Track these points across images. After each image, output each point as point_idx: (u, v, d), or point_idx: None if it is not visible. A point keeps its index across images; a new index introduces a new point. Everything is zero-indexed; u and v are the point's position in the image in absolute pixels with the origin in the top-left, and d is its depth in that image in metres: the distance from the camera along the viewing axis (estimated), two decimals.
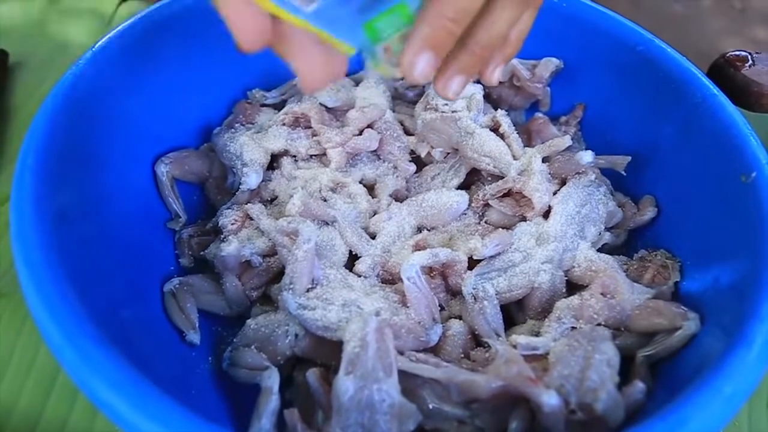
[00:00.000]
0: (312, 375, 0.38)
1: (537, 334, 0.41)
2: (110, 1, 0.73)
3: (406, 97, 0.56)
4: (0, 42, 0.68)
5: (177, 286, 0.44)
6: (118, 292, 0.40)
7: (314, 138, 0.48)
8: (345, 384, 0.34)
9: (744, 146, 0.43)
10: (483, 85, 0.53)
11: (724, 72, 0.53)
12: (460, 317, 0.43)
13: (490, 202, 0.46)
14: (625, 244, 0.50)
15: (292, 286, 0.39)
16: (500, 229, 0.44)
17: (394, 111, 0.53)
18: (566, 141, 0.46)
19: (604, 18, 0.52)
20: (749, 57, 0.54)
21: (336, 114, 0.51)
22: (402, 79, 0.57)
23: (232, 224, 0.45)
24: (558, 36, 0.53)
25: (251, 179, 0.46)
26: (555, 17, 0.53)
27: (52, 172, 0.38)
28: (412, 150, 0.51)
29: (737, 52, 0.55)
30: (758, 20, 1.17)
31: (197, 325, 0.43)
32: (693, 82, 0.47)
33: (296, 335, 0.40)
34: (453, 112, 0.48)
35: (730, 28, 1.13)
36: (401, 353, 0.38)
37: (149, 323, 0.43)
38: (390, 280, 0.44)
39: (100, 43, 0.44)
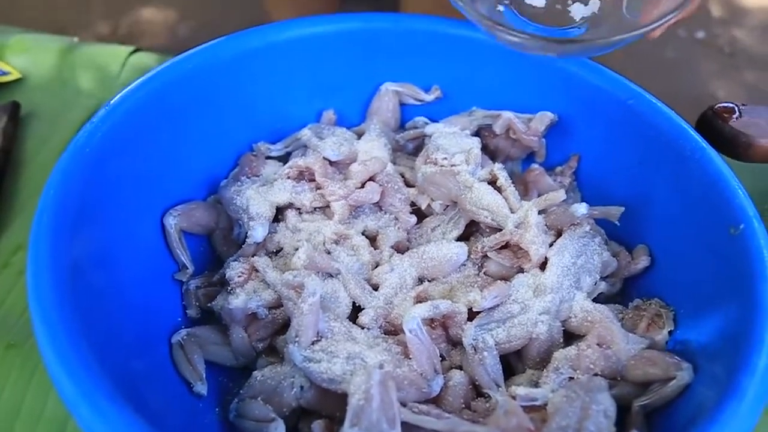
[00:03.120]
0: (317, 426, 0.39)
1: (536, 384, 0.42)
2: (121, 52, 0.75)
3: (406, 149, 0.58)
4: (13, 93, 0.70)
5: (184, 337, 0.45)
6: (128, 343, 0.42)
7: (318, 191, 0.50)
8: None
9: (732, 199, 0.44)
10: (480, 138, 0.55)
11: (712, 124, 0.55)
12: (460, 367, 0.44)
13: (488, 253, 0.47)
14: (621, 292, 0.51)
15: (297, 339, 0.41)
16: (499, 281, 0.46)
17: (395, 163, 0.55)
18: (561, 195, 0.48)
19: (596, 72, 0.54)
20: (736, 109, 0.56)
21: (339, 167, 0.52)
22: (403, 129, 0.59)
23: (239, 276, 0.46)
24: (552, 90, 0.55)
25: (257, 233, 0.48)
26: (549, 72, 0.55)
27: (66, 228, 0.39)
28: (412, 202, 0.52)
29: (725, 104, 0.56)
30: (747, 64, 1.20)
31: (204, 376, 0.44)
32: (682, 136, 0.49)
33: (302, 387, 0.41)
34: (452, 166, 0.49)
35: (720, 71, 1.16)
36: (404, 405, 0.39)
37: (157, 374, 0.44)
38: (392, 331, 0.45)
39: (114, 100, 0.46)
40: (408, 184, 0.53)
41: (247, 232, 0.49)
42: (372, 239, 0.50)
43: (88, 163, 0.43)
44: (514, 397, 0.40)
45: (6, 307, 0.53)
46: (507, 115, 0.54)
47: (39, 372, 0.49)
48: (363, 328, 0.44)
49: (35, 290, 0.36)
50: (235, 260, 0.48)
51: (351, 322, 0.44)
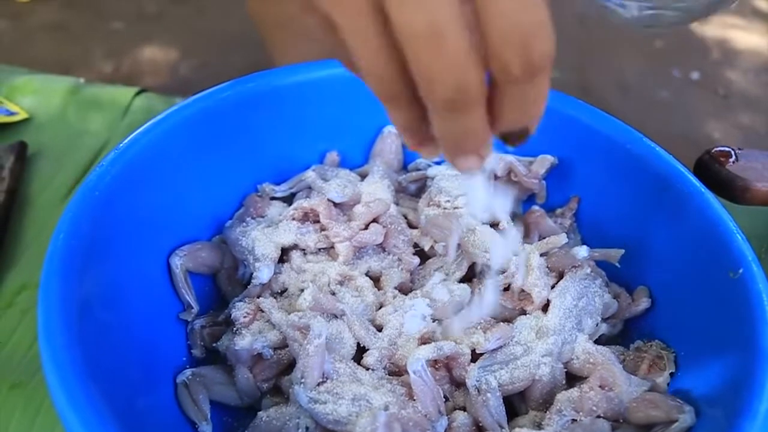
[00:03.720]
0: None
1: (539, 425, 0.43)
2: (126, 93, 0.77)
3: (408, 191, 0.59)
4: (20, 133, 0.71)
5: (190, 377, 0.45)
6: (134, 382, 0.42)
7: (323, 232, 0.51)
8: None
9: (730, 243, 0.45)
10: None
11: (709, 167, 0.56)
12: (464, 408, 0.44)
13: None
14: (622, 334, 0.51)
15: (303, 380, 0.41)
16: (501, 323, 0.46)
17: (398, 204, 0.56)
18: (562, 239, 0.49)
19: (596, 117, 0.55)
20: (732, 153, 0.57)
21: (343, 208, 0.53)
22: (405, 170, 0.60)
23: (245, 317, 0.47)
24: (553, 134, 0.56)
25: (263, 274, 0.49)
26: (550, 116, 0.55)
27: (75, 270, 0.40)
28: (415, 243, 0.53)
29: (721, 148, 0.58)
30: (741, 106, 1.22)
31: (209, 416, 0.44)
32: (680, 180, 0.50)
33: (307, 428, 0.41)
34: (455, 208, 0.50)
35: (715, 113, 1.18)
36: None
37: (162, 414, 0.44)
38: (397, 372, 0.45)
39: (122, 144, 0.47)
40: (410, 226, 0.54)
41: (252, 273, 0.50)
42: (375, 280, 0.51)
43: (97, 206, 0.44)
44: None
45: (10, 346, 0.53)
46: (508, 158, 0.56)
47: (43, 411, 0.49)
48: (368, 369, 0.44)
49: (46, 331, 0.36)
50: (241, 301, 0.49)
51: (356, 363, 0.44)
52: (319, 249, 0.51)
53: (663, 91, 1.21)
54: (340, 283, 0.49)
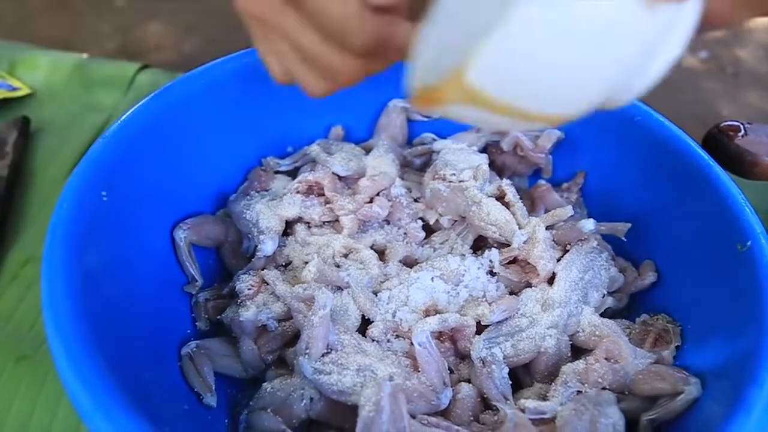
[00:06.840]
0: None
1: (544, 397, 0.43)
2: (129, 68, 0.76)
3: (413, 165, 0.58)
4: (23, 108, 0.70)
5: (194, 349, 0.45)
6: (139, 354, 0.42)
7: (327, 205, 0.51)
8: None
9: (739, 216, 0.45)
10: (488, 154, 0.55)
11: (718, 141, 0.56)
12: (469, 380, 0.44)
13: (496, 268, 0.48)
14: (628, 307, 0.51)
15: (308, 351, 0.41)
16: (507, 295, 0.46)
17: (402, 178, 0.55)
18: (568, 211, 0.48)
19: None
20: (742, 127, 0.57)
21: (347, 182, 0.53)
22: (410, 145, 0.60)
23: (249, 289, 0.46)
24: None
25: (267, 246, 0.48)
26: None
27: (79, 241, 0.40)
28: (420, 217, 0.53)
29: (730, 123, 0.57)
30: (750, 84, 1.21)
31: (214, 388, 0.44)
32: (688, 153, 0.49)
33: (311, 399, 0.41)
34: (460, 181, 0.50)
35: (723, 92, 1.17)
36: (413, 417, 0.39)
37: (167, 385, 0.44)
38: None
39: (125, 116, 0.47)
40: (415, 199, 0.54)
41: (256, 246, 0.50)
42: (380, 253, 0.51)
43: (100, 178, 0.43)
44: (522, 410, 0.40)
45: (16, 319, 0.54)
46: (514, 132, 0.55)
47: (48, 383, 0.49)
48: (372, 340, 0.44)
49: (49, 302, 0.36)
50: (245, 273, 0.48)
51: (361, 335, 0.44)
52: (324, 222, 0.51)
53: (670, 70, 1.19)
54: (345, 256, 0.49)
